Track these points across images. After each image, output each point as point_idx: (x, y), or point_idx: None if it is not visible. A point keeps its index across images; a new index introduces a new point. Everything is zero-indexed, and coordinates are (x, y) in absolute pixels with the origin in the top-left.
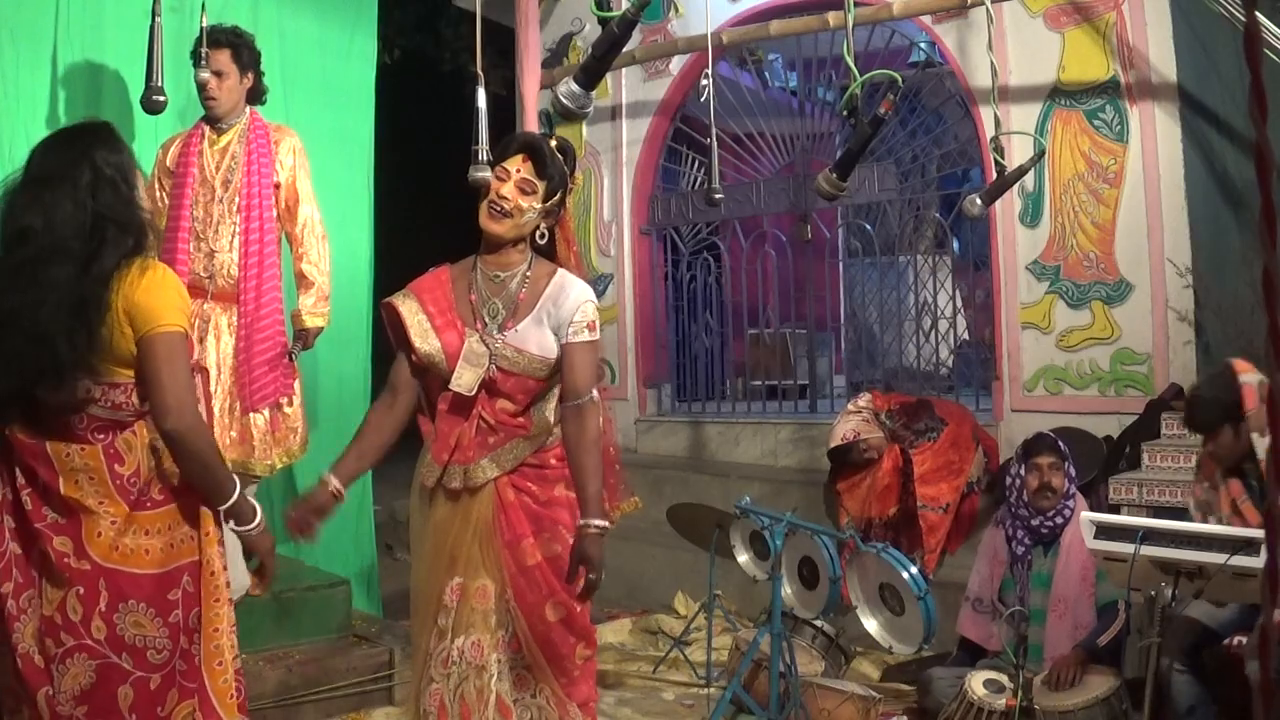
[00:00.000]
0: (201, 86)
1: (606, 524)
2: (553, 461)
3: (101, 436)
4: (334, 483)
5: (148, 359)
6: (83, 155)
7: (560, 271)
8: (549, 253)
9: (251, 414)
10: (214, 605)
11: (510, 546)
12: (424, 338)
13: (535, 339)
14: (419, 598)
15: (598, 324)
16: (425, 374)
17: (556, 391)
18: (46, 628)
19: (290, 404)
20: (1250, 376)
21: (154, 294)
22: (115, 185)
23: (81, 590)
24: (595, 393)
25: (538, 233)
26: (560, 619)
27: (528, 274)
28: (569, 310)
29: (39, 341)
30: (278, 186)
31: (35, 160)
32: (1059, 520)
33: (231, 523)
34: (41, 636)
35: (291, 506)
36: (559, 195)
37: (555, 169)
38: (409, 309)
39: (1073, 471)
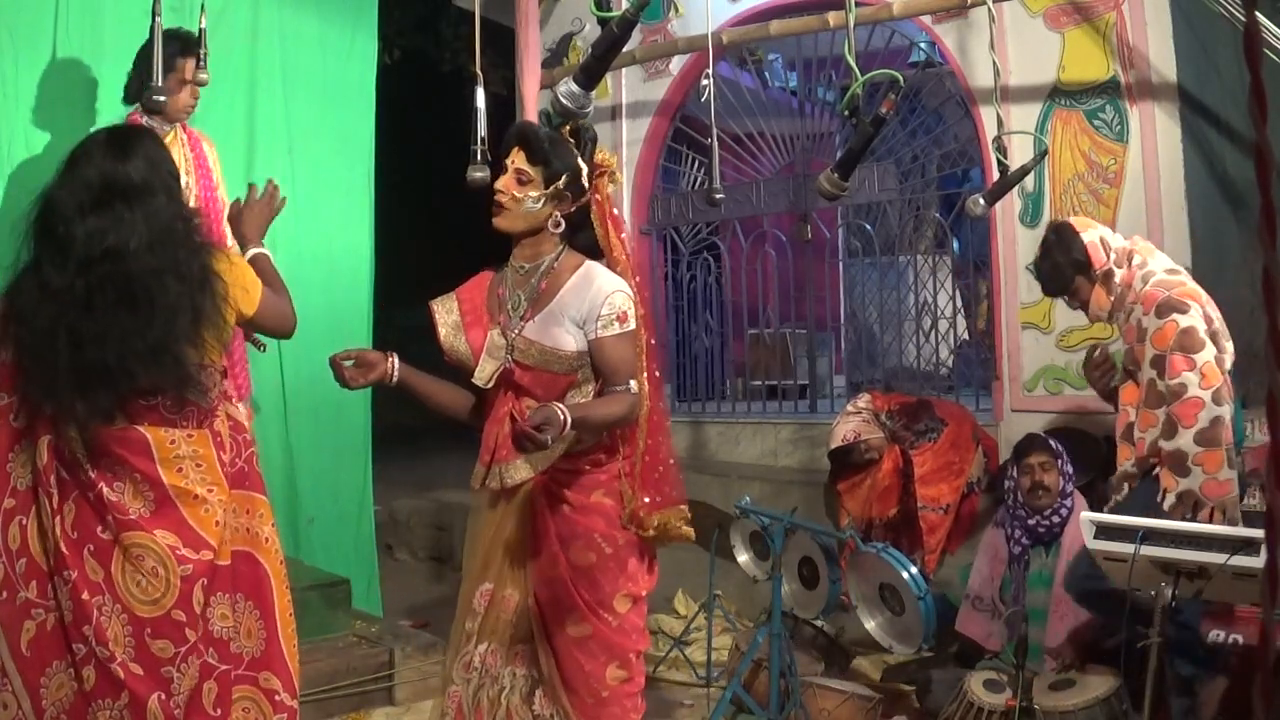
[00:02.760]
0: (180, 86)
1: (567, 415)
2: (586, 467)
3: (187, 423)
4: (394, 359)
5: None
6: (159, 161)
7: (588, 264)
8: (589, 242)
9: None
10: (286, 592)
11: (535, 557)
12: (455, 337)
13: (549, 331)
14: (460, 598)
15: (631, 314)
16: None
17: (587, 391)
18: (156, 628)
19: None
20: (1091, 233)
21: (247, 275)
22: (182, 188)
23: (205, 581)
24: (634, 384)
25: (551, 221)
26: (585, 635)
27: (554, 265)
28: (594, 303)
29: (164, 350)
30: (217, 187)
31: (103, 163)
32: (1055, 519)
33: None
34: (146, 639)
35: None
36: (563, 180)
37: (555, 154)
38: (443, 310)
39: (1069, 470)
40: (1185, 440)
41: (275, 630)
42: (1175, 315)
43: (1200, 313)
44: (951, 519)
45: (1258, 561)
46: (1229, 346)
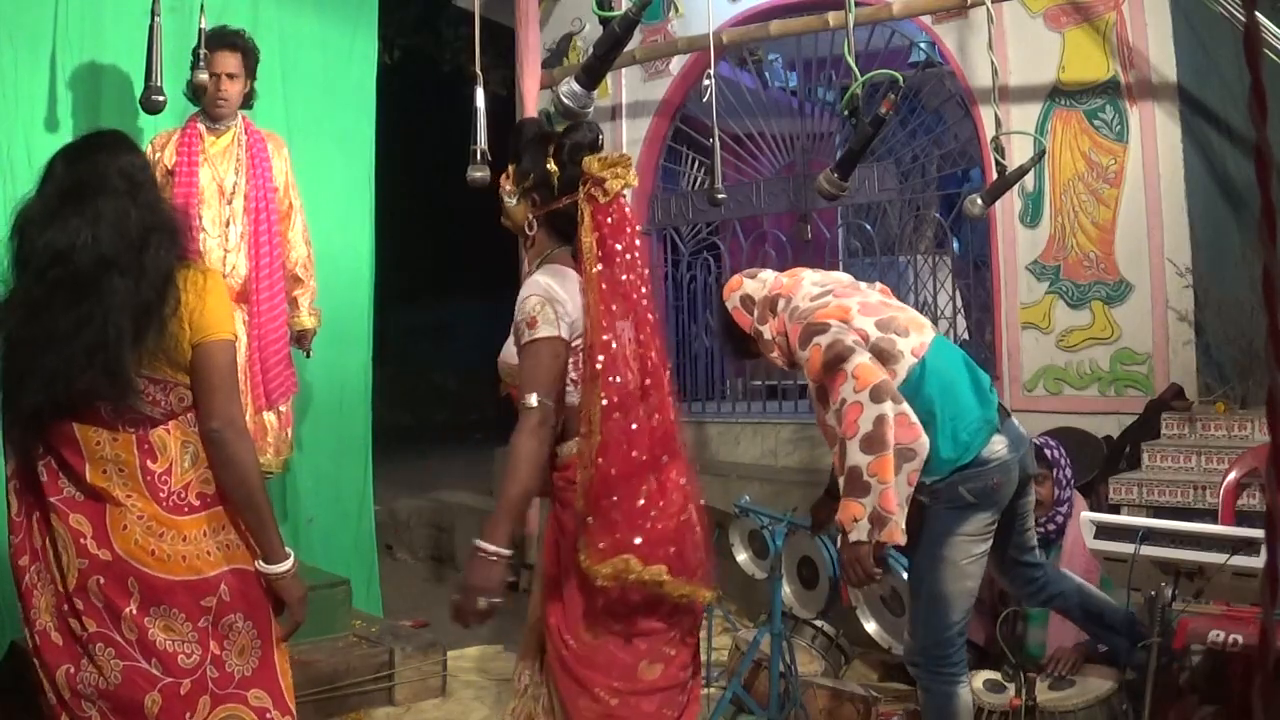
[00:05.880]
0: (201, 88)
1: (492, 548)
2: (566, 479)
3: (131, 429)
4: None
5: (204, 364)
6: (111, 162)
7: (545, 268)
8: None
9: (264, 412)
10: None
11: (545, 564)
12: (506, 348)
13: (507, 345)
14: None
15: (542, 319)
16: None
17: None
18: (69, 607)
19: (288, 402)
20: (734, 298)
21: (217, 300)
22: (149, 188)
23: (103, 580)
24: (532, 399)
25: (526, 223)
26: (552, 657)
27: (532, 272)
28: (516, 311)
29: (100, 349)
30: (275, 190)
31: (59, 174)
32: (1052, 526)
33: (259, 562)
34: (64, 615)
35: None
36: (530, 180)
37: (526, 152)
38: None
39: (1068, 475)
40: (854, 453)
41: (270, 647)
42: (815, 339)
43: (843, 326)
44: None
45: (1258, 561)
46: (907, 347)
